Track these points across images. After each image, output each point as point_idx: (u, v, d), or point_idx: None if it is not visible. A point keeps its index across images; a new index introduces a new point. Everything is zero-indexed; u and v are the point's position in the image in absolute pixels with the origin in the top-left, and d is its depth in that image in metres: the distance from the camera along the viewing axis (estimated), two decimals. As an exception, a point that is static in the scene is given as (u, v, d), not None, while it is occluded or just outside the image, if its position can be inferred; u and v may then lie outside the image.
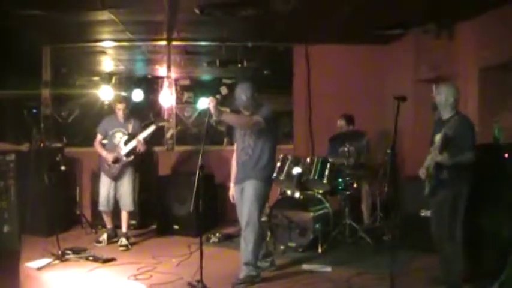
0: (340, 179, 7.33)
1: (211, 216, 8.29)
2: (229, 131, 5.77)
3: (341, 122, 8.01)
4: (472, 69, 6.89)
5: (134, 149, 7.17)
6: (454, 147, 4.90)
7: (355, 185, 7.43)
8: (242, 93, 5.57)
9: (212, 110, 5.22)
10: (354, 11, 6.75)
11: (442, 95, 5.15)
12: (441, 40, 7.46)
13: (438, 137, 4.96)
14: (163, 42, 8.95)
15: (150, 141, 7.43)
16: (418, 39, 8.04)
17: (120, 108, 7.31)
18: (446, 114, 5.13)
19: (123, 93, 8.70)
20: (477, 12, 6.70)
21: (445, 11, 6.83)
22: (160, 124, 7.71)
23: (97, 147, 7.37)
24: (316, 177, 7.16)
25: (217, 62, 9.16)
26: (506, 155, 5.52)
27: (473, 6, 6.47)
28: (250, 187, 5.53)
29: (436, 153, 4.96)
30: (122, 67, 9.68)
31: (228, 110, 5.75)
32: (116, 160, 7.16)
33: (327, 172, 7.17)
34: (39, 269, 6.08)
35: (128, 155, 7.18)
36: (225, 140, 9.16)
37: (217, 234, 7.60)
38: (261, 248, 5.78)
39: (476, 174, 5.02)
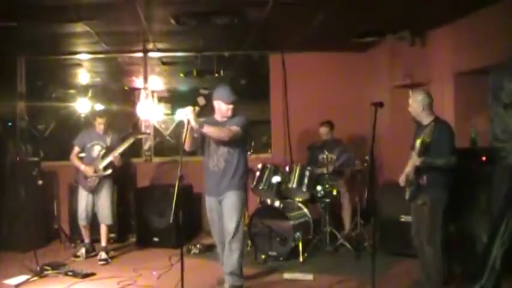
0: (319, 187, 7.33)
1: (191, 227, 8.25)
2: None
3: (325, 129, 8.02)
4: (447, 74, 6.97)
5: (112, 162, 7.11)
6: (433, 153, 4.96)
7: (334, 193, 7.43)
8: (232, 95, 5.58)
9: (192, 122, 5.18)
10: (329, 18, 6.79)
11: (412, 105, 5.24)
12: (415, 47, 7.54)
13: (418, 142, 5.01)
14: (140, 54, 8.92)
15: (127, 153, 7.38)
16: (393, 46, 8.12)
17: (100, 123, 7.25)
18: (424, 120, 5.20)
19: (100, 107, 8.66)
20: (450, 19, 6.78)
21: (419, 19, 6.89)
22: (139, 136, 7.65)
23: (73, 160, 7.26)
24: (295, 186, 7.17)
25: (194, 72, 9.14)
26: (484, 158, 5.58)
27: (446, 13, 6.55)
28: (233, 198, 5.52)
29: (416, 158, 5.01)
30: (98, 79, 9.61)
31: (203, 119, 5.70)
32: (95, 173, 7.09)
33: (306, 180, 7.19)
34: (17, 285, 5.99)
35: (106, 168, 7.11)
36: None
37: (198, 246, 7.55)
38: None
39: (455, 178, 5.06)
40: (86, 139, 7.31)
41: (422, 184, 5.09)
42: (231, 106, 5.57)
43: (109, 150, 7.14)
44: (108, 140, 7.22)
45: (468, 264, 5.29)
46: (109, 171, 7.15)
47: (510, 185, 5.06)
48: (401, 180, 5.26)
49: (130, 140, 7.18)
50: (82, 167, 7.14)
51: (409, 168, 5.16)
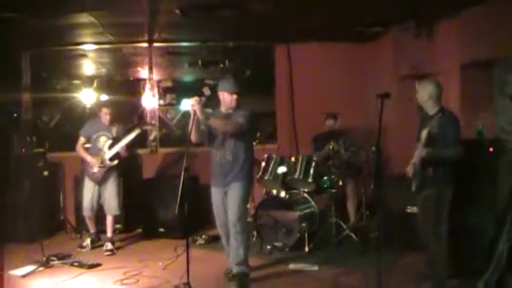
0: (325, 178, 7.33)
1: (196, 218, 8.24)
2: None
3: (330, 122, 8.01)
4: (453, 66, 6.93)
5: (118, 153, 7.12)
6: (439, 144, 4.93)
7: (340, 183, 7.43)
8: (236, 85, 5.63)
9: (199, 113, 5.22)
10: (334, 9, 6.76)
11: (422, 93, 5.19)
12: (421, 38, 7.51)
13: (424, 133, 4.98)
14: (145, 44, 8.90)
15: (133, 144, 7.38)
16: (398, 37, 8.08)
17: (106, 113, 7.23)
18: (430, 110, 5.16)
19: (105, 97, 8.65)
20: (456, 10, 6.74)
21: (424, 9, 6.86)
22: (145, 128, 7.65)
23: (79, 150, 7.27)
24: (301, 176, 7.16)
25: (199, 62, 9.14)
26: (491, 149, 5.56)
27: (452, 4, 6.51)
28: (239, 189, 5.55)
29: (421, 149, 4.99)
30: (103, 70, 9.60)
31: (210, 111, 5.73)
32: (101, 164, 7.09)
33: (311, 171, 7.18)
34: (23, 276, 6.02)
35: (112, 159, 7.12)
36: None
37: (204, 236, 7.57)
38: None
39: (461, 170, 5.04)
40: (91, 130, 7.31)
41: (428, 176, 5.06)
42: (235, 96, 5.61)
43: (115, 141, 7.14)
44: (114, 131, 7.22)
45: (473, 257, 5.27)
46: (115, 162, 7.15)
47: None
48: (409, 170, 5.23)
49: (137, 131, 7.18)
50: (89, 158, 7.14)
51: (415, 159, 5.13)
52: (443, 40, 7.20)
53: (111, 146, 7.13)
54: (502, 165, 5.36)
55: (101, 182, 7.16)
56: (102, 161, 7.09)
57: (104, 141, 7.18)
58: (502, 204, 4.94)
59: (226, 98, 5.63)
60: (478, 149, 5.63)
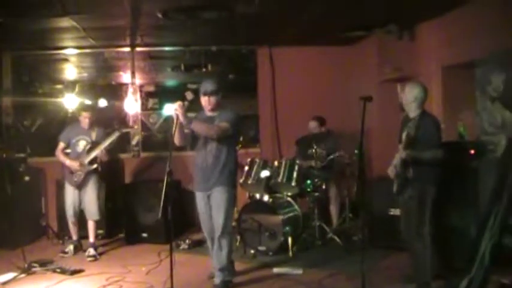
0: (308, 181, 7.33)
1: (179, 222, 8.20)
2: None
3: (313, 124, 7.99)
4: (435, 68, 6.98)
5: (98, 157, 7.06)
6: (418, 146, 4.95)
7: (323, 187, 7.44)
8: (208, 86, 5.55)
9: (181, 118, 5.18)
10: (317, 13, 6.77)
11: (406, 95, 5.22)
12: (403, 41, 7.55)
13: (404, 135, 5.01)
14: (127, 48, 8.86)
15: (114, 148, 7.33)
16: (381, 40, 8.12)
17: (86, 117, 7.18)
18: (411, 112, 5.19)
19: (87, 102, 8.58)
20: (438, 13, 6.79)
21: (406, 13, 6.90)
22: (124, 131, 7.59)
23: (59, 155, 7.20)
24: (284, 180, 7.15)
25: (182, 66, 9.11)
26: (472, 152, 5.60)
27: (433, 6, 6.56)
28: (223, 194, 5.49)
29: (401, 151, 5.01)
30: (85, 74, 9.54)
31: (193, 115, 5.69)
32: (81, 168, 7.03)
33: (295, 174, 7.17)
34: (4, 283, 5.93)
35: (91, 163, 7.06)
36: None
37: (187, 241, 7.52)
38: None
39: (442, 172, 5.07)
40: (71, 134, 7.25)
41: (409, 178, 5.08)
42: (206, 97, 5.53)
43: (94, 145, 7.08)
44: (94, 135, 7.17)
45: (457, 257, 5.31)
46: (95, 166, 7.09)
47: (497, 177, 5.08)
48: (390, 171, 5.25)
49: (116, 135, 7.12)
50: (67, 161, 7.08)
51: (396, 161, 5.16)
52: (425, 42, 7.25)
53: (90, 150, 7.07)
54: (483, 166, 5.41)
55: (80, 186, 7.09)
56: (81, 165, 7.02)
57: (83, 146, 7.13)
58: (484, 204, 4.98)
59: (204, 100, 5.58)
60: (459, 151, 5.67)
